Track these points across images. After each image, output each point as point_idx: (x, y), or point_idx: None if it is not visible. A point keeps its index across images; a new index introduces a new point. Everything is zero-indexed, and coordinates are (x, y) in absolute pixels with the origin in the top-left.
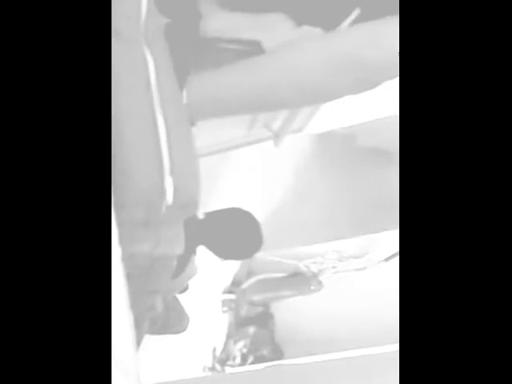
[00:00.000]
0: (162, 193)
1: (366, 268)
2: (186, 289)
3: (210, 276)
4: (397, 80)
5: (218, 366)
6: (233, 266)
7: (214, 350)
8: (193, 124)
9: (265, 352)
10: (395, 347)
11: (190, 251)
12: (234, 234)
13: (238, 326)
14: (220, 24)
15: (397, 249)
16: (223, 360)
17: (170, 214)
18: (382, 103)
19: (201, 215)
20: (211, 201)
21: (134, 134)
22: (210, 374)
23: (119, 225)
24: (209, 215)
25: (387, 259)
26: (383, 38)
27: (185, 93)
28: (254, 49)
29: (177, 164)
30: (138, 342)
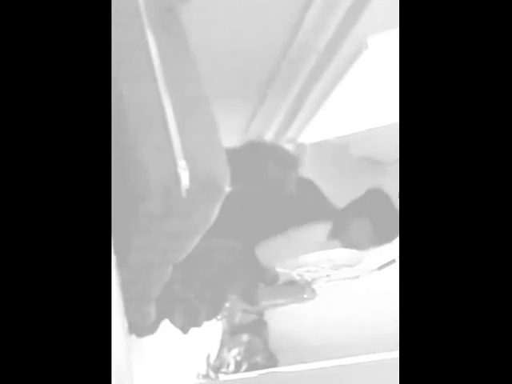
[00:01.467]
0: (177, 178)
1: (359, 276)
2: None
3: None
4: (393, 90)
5: (212, 374)
6: None
7: (208, 357)
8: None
9: (259, 359)
10: (389, 355)
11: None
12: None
13: (232, 333)
14: None
15: (390, 257)
16: (217, 367)
17: (192, 197)
18: (375, 113)
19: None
20: None
21: (141, 123)
22: (204, 381)
23: (138, 217)
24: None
25: (380, 268)
26: None
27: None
28: None
29: (190, 145)
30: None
